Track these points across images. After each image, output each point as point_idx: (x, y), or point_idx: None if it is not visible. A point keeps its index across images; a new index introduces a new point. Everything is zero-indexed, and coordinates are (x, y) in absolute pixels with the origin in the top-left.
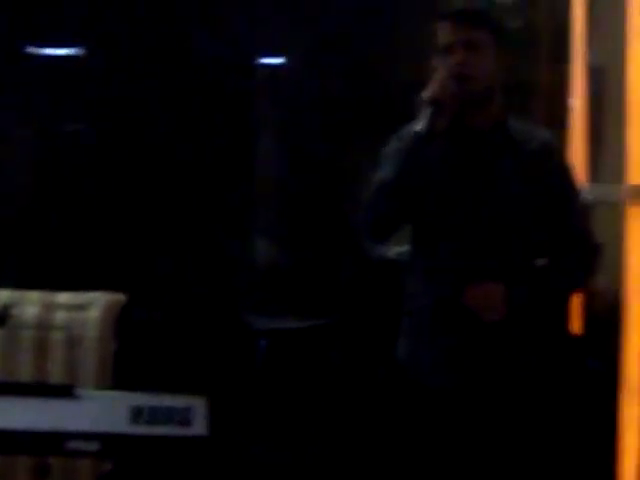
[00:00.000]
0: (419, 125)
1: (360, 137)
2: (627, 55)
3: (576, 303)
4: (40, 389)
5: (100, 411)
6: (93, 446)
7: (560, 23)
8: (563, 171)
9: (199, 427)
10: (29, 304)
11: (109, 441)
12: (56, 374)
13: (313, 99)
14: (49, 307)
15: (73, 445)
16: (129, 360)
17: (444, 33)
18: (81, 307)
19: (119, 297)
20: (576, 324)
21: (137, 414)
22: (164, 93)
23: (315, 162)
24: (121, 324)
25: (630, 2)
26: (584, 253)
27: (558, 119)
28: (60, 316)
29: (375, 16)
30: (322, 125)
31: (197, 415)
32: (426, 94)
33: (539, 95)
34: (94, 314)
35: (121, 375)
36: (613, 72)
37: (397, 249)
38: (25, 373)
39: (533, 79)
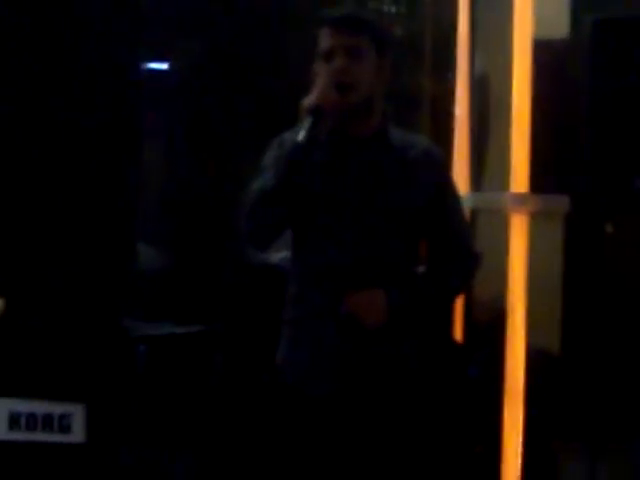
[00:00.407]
0: (299, 134)
1: (245, 143)
2: (511, 64)
3: (459, 310)
4: None
5: None
6: None
7: (445, 32)
8: (444, 179)
9: (78, 434)
10: None
11: None
12: None
13: (198, 105)
14: None
15: None
16: (8, 367)
17: (325, 39)
18: None
19: None
20: (459, 331)
21: (15, 421)
22: (45, 96)
23: (198, 167)
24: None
25: (515, 11)
26: (463, 261)
27: (442, 127)
28: None
29: (262, 22)
30: (206, 131)
31: (76, 422)
32: (306, 102)
33: (424, 104)
34: None
35: (0, 382)
36: (496, 81)
37: (280, 254)
38: None
39: (418, 87)
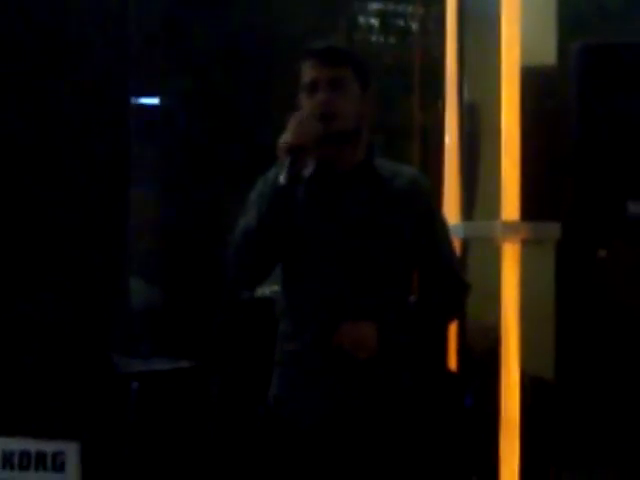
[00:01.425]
0: (279, 176)
1: (234, 178)
2: (500, 92)
3: (453, 339)
4: None
5: None
6: None
7: (433, 61)
8: (430, 208)
9: (71, 473)
10: None
11: None
12: None
13: (188, 141)
14: None
15: None
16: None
17: (308, 71)
18: None
19: None
20: (454, 360)
21: (7, 459)
22: (35, 130)
23: (189, 203)
24: None
25: (502, 39)
26: (452, 289)
27: (433, 156)
28: None
29: (249, 58)
30: (197, 166)
31: (69, 461)
32: (284, 140)
33: (414, 133)
34: None
35: None
36: (485, 109)
37: (272, 288)
38: None
39: (407, 117)
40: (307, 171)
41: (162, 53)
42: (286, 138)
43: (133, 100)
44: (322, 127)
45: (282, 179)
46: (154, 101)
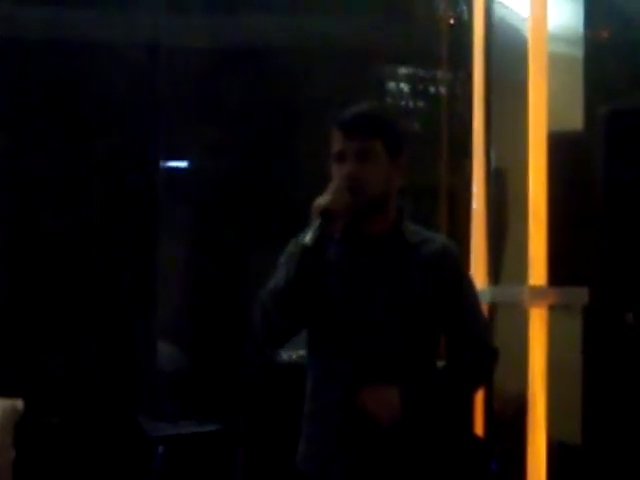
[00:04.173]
0: (306, 237)
1: (262, 240)
2: (527, 157)
3: (479, 404)
4: None
5: None
6: None
7: (462, 126)
8: (459, 275)
9: None
10: None
11: None
12: None
13: (216, 201)
14: None
15: None
16: (27, 467)
17: (336, 141)
18: None
19: (17, 403)
20: (480, 425)
21: None
22: (70, 196)
23: (217, 264)
24: (18, 431)
25: (529, 105)
26: (480, 356)
27: (460, 221)
28: None
29: (278, 119)
30: (224, 229)
31: None
32: (317, 204)
33: (441, 197)
34: None
35: None
36: (512, 174)
37: (299, 352)
38: None
39: (435, 181)
40: (336, 234)
41: (192, 110)
42: (320, 202)
43: (162, 161)
44: (350, 199)
45: (308, 240)
46: (183, 163)
